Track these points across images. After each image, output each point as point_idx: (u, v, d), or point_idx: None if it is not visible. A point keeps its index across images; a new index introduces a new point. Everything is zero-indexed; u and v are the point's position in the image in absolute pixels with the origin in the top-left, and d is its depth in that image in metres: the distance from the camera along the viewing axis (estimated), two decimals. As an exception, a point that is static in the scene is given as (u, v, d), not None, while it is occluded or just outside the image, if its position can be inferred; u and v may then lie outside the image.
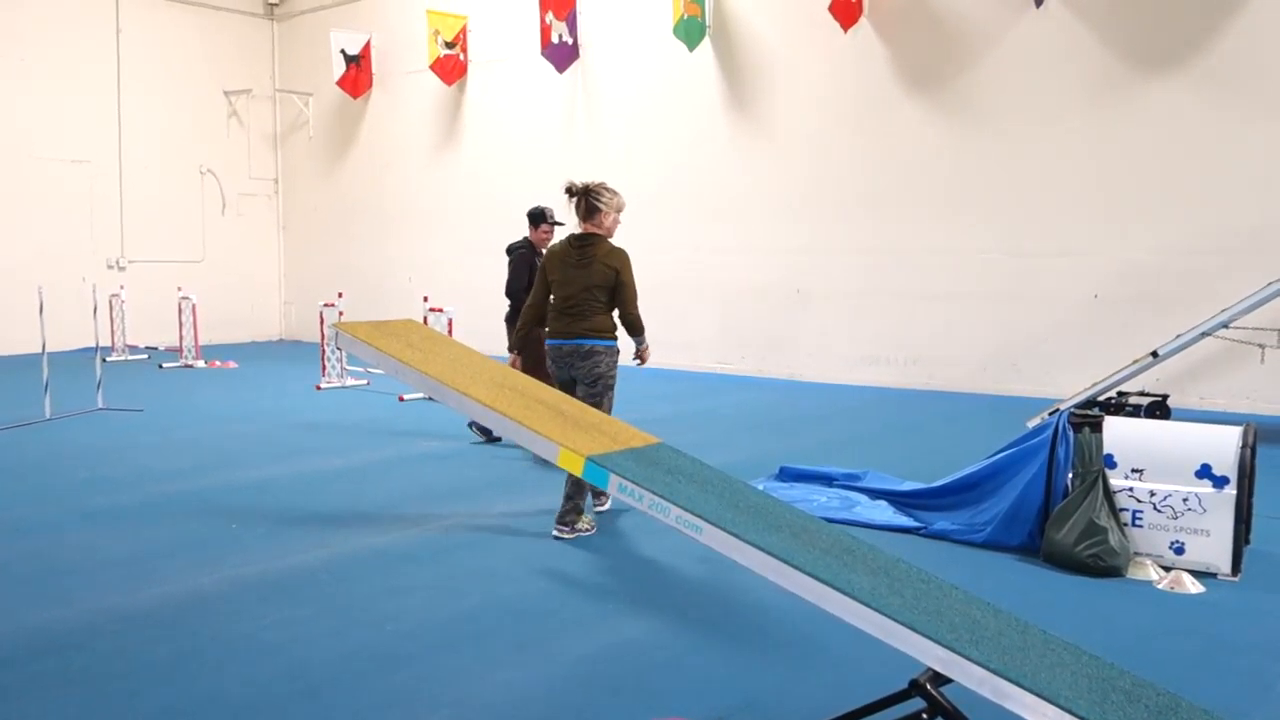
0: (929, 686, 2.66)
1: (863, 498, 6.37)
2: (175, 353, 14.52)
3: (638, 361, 6.35)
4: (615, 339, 5.95)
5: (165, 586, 4.80)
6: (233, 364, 14.28)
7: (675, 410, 10.09)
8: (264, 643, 4.11)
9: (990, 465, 5.79)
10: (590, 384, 5.87)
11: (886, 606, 2.59)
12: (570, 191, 6.00)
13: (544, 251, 7.14)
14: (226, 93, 17.89)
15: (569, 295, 5.91)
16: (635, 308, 6.01)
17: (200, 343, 14.41)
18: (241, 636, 4.17)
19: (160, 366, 13.84)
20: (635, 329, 6.08)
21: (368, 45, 16.92)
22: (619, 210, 6.04)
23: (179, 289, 14.68)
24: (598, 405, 5.83)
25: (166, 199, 17.29)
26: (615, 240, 6.05)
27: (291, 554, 5.33)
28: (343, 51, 16.76)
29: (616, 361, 5.96)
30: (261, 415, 9.95)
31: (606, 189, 5.99)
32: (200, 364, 14.03)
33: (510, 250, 8.52)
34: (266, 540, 5.60)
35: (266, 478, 7.17)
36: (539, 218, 8.49)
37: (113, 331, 14.63)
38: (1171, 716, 2.57)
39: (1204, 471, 5.05)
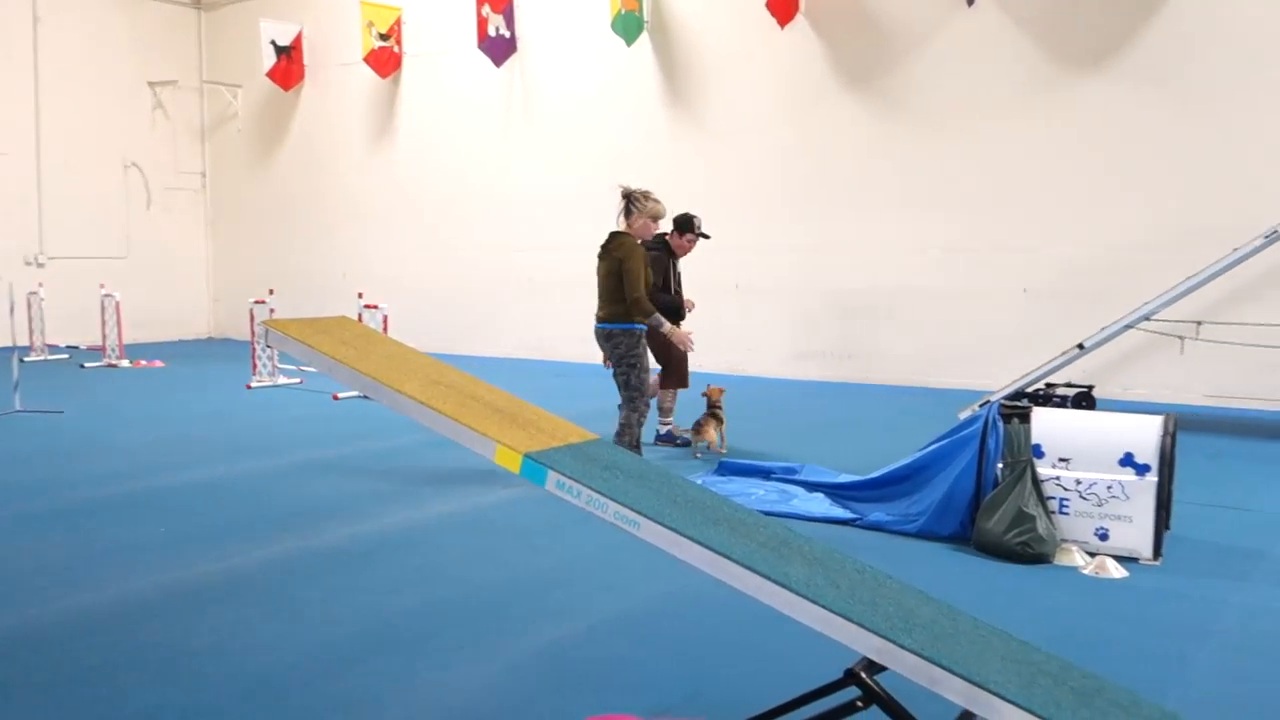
0: (864, 675, 2.70)
1: (800, 490, 6.45)
2: (98, 352, 14.19)
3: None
4: (632, 323, 6.76)
5: (95, 594, 4.71)
6: (159, 363, 14.01)
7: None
8: (201, 649, 4.05)
9: (923, 457, 5.89)
10: (616, 363, 6.84)
11: (822, 597, 2.63)
12: (622, 194, 6.91)
13: (679, 255, 8.42)
14: (151, 84, 17.52)
15: (598, 286, 6.90)
16: (634, 290, 6.70)
17: (125, 341, 14.11)
18: (176, 643, 4.11)
19: (82, 366, 13.53)
20: (637, 309, 6.74)
21: (299, 36, 16.68)
22: (652, 216, 6.89)
23: (102, 286, 14.35)
24: (625, 383, 6.83)
25: (88, 193, 16.89)
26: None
27: (226, 558, 5.26)
28: (273, 42, 16.50)
29: (637, 343, 6.79)
30: (190, 416, 9.79)
31: (647, 197, 6.86)
32: (125, 363, 13.74)
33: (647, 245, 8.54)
34: (199, 544, 5.51)
35: (197, 480, 7.05)
36: (686, 225, 8.31)
37: (31, 330, 14.25)
38: (1096, 698, 2.65)
39: (1127, 460, 5.19)
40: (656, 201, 6.90)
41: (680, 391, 8.47)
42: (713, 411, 7.91)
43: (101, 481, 6.96)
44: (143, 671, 3.82)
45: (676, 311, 8.19)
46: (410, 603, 4.57)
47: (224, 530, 5.74)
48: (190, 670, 3.83)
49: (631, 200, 6.86)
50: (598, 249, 6.99)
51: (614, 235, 6.92)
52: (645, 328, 6.82)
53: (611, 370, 6.97)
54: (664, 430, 8.44)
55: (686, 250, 8.38)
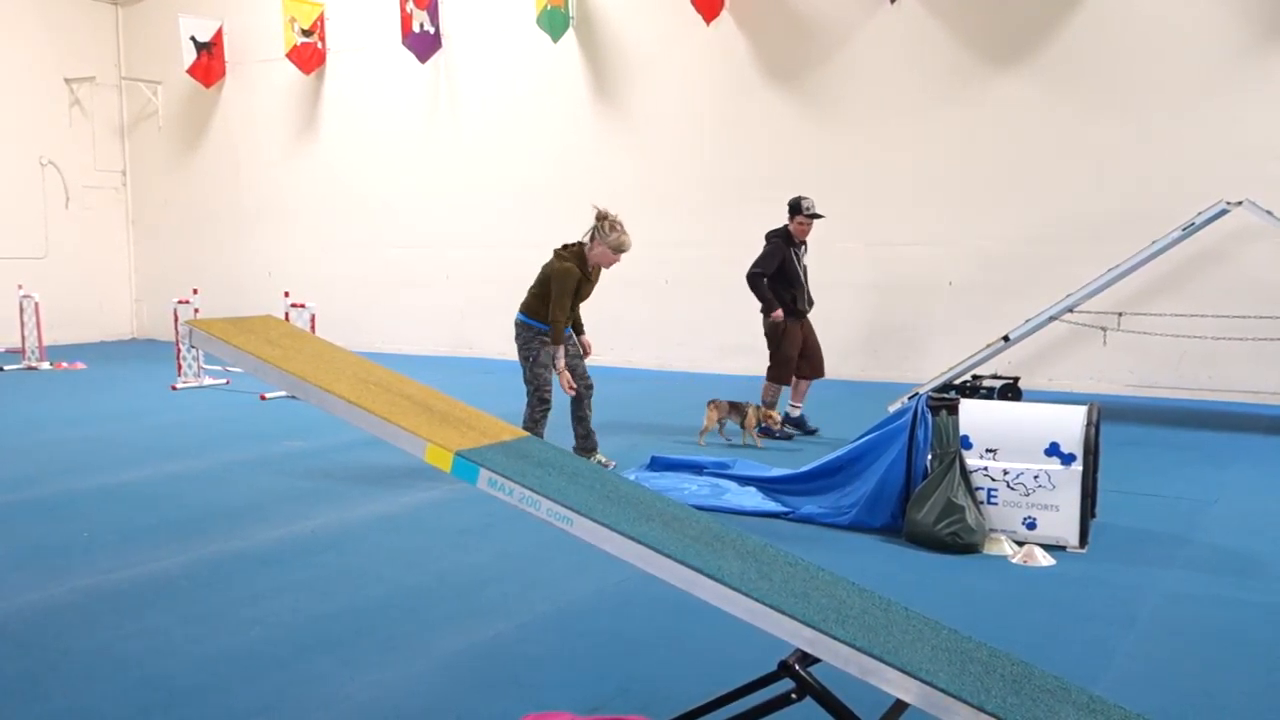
0: (797, 667, 2.71)
1: (732, 485, 6.47)
2: (17, 354, 13.79)
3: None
4: (533, 319, 6.98)
5: (12, 600, 4.57)
6: (81, 365, 13.65)
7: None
8: (122, 654, 3.95)
9: (853, 450, 5.94)
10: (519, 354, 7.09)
11: (755, 590, 2.64)
12: (596, 215, 6.88)
13: (797, 241, 8.44)
14: (68, 80, 17.03)
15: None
16: (552, 313, 6.89)
17: (45, 343, 13.73)
18: (97, 649, 4.00)
19: (0, 369, 13.14)
20: (551, 334, 6.92)
21: (219, 32, 16.34)
22: (613, 248, 6.88)
23: (19, 287, 13.94)
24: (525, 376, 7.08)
25: (3, 192, 16.34)
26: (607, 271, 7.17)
27: (149, 561, 5.14)
28: (193, 38, 16.14)
29: (533, 338, 6.97)
30: (114, 418, 9.55)
31: (613, 228, 6.83)
32: (45, 365, 13.37)
33: (768, 237, 8.52)
34: (122, 547, 5.38)
35: (120, 483, 6.88)
36: (794, 208, 8.36)
37: (-53, 333, 13.82)
38: (1025, 684, 2.69)
39: (1053, 450, 5.29)
40: (621, 234, 6.90)
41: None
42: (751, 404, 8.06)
43: (22, 485, 6.76)
44: (64, 676, 3.72)
45: (785, 306, 8.35)
46: (339, 604, 4.51)
47: (149, 533, 5.61)
48: (111, 674, 3.73)
49: (598, 227, 6.90)
50: (553, 249, 7.19)
51: (565, 249, 7.04)
52: (541, 325, 6.96)
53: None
54: (793, 414, 8.55)
55: (802, 233, 8.38)
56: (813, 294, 8.69)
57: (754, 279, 8.44)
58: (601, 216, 6.92)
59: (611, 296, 13.57)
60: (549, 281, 6.94)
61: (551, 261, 7.02)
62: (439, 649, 3.99)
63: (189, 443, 8.27)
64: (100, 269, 17.69)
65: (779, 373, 8.48)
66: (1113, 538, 5.49)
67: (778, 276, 8.38)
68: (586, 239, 7.01)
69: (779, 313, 8.32)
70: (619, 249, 6.94)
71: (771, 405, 8.42)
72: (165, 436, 8.57)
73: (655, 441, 8.19)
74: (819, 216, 8.42)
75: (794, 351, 8.44)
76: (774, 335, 8.46)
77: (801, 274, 8.49)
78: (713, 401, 8.05)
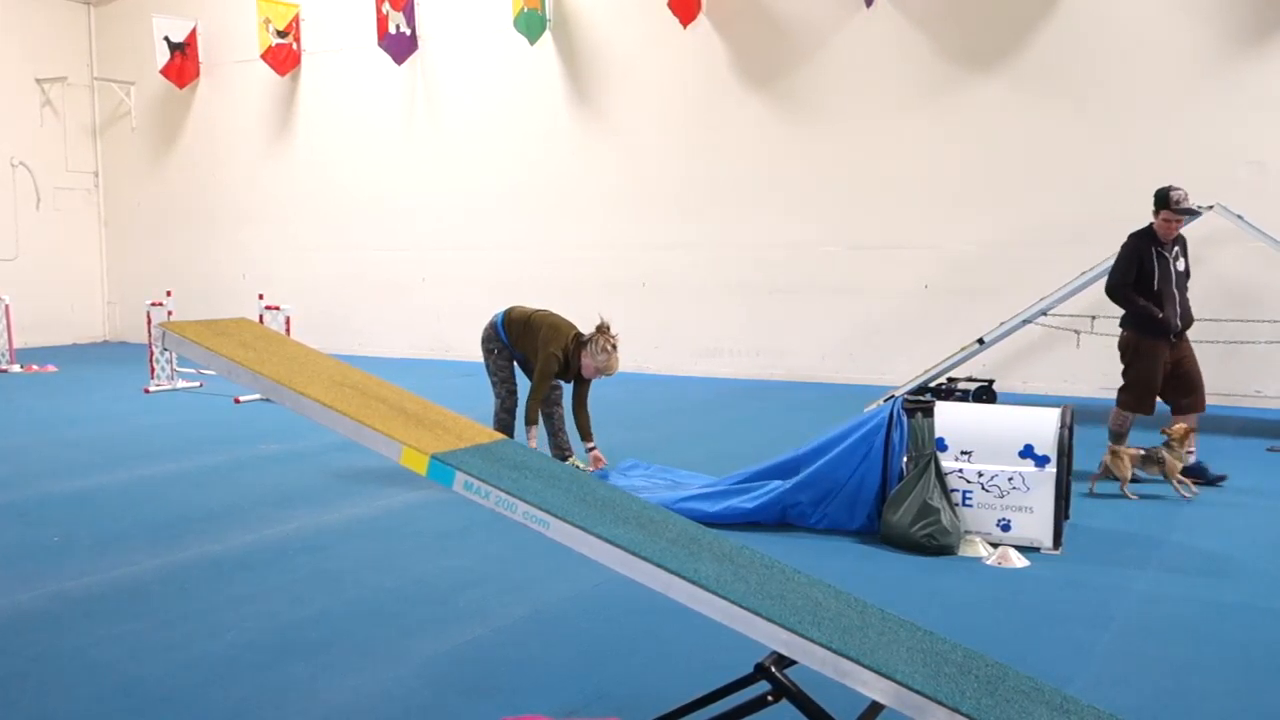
0: (774, 669, 2.72)
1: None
2: (-12, 357, 13.66)
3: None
4: (506, 336, 7.04)
5: (-19, 605, 4.52)
6: (52, 368, 13.52)
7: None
8: (93, 660, 3.91)
9: (821, 443, 5.86)
10: None
11: (731, 593, 2.64)
12: (598, 325, 6.79)
13: (1164, 240, 6.90)
14: (39, 80, 16.88)
15: (528, 310, 7.21)
16: (530, 397, 6.91)
17: (15, 346, 13.59)
18: (68, 655, 3.96)
19: (-29, 372, 13.02)
20: (527, 412, 6.94)
21: (193, 32, 16.23)
22: (598, 368, 6.79)
23: (-10, 289, 13.81)
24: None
25: (-28, 193, 16.20)
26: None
27: (121, 565, 5.09)
28: (166, 39, 16.02)
29: (492, 336, 7.08)
30: (86, 421, 9.46)
31: (603, 348, 6.72)
32: (15, 369, 13.23)
33: (1130, 238, 7.11)
34: (95, 552, 5.32)
35: (92, 486, 6.82)
36: (1161, 200, 6.81)
37: (-84, 335, 13.65)
38: (1000, 685, 2.70)
39: (1027, 452, 5.32)
40: (611, 357, 6.75)
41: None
42: (1164, 448, 6.56)
43: (-11, 492, 6.70)
44: (35, 682, 3.68)
45: (1149, 322, 6.86)
46: (314, 608, 4.48)
47: (122, 537, 5.56)
48: (84, 680, 3.69)
49: (593, 339, 6.76)
50: (539, 310, 7.16)
51: (575, 339, 6.84)
52: (506, 340, 7.04)
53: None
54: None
55: (1168, 231, 6.84)
56: (1191, 308, 7.06)
57: (1113, 292, 6.99)
58: (601, 329, 6.77)
59: (588, 299, 13.60)
60: (537, 334, 6.87)
61: (549, 338, 6.84)
62: (416, 653, 3.97)
63: (162, 446, 8.20)
64: (72, 271, 17.52)
65: (1129, 398, 7.00)
66: (1086, 539, 5.53)
67: (1135, 285, 6.91)
68: (586, 351, 6.83)
69: (1157, 313, 6.77)
70: (603, 371, 6.80)
71: (1119, 437, 7.03)
72: (138, 440, 8.49)
73: (631, 445, 8.17)
74: (1193, 213, 6.97)
75: (1151, 375, 6.91)
76: (1125, 352, 7.06)
77: (1170, 281, 6.86)
78: (1115, 451, 6.59)
